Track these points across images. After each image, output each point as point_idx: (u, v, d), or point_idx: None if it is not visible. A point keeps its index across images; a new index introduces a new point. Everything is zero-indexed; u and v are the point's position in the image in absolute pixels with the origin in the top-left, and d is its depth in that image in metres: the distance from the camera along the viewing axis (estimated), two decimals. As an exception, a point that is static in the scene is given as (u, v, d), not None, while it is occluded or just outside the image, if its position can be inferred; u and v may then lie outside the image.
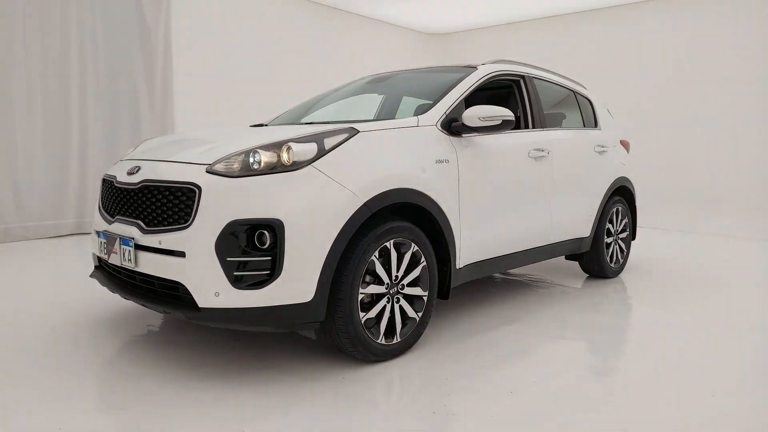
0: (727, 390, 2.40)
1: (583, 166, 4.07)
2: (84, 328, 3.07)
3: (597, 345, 3.01)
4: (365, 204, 2.42)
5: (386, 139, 2.68)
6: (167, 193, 2.40)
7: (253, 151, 2.35)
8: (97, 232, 2.79)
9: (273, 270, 2.23)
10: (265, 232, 2.23)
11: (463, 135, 3.08)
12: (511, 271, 4.77)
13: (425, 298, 2.79)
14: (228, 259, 2.22)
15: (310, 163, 2.36)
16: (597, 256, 4.33)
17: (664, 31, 7.89)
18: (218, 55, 7.53)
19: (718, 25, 7.79)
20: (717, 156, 7.67)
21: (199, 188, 2.29)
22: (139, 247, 2.44)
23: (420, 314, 2.77)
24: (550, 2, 8.50)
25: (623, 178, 4.52)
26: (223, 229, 2.22)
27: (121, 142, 6.52)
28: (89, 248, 4.41)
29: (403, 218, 2.73)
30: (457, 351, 2.81)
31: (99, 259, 2.91)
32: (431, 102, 3.11)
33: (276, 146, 2.37)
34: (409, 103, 3.74)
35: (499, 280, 4.41)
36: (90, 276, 2.98)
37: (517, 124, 3.78)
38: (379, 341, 2.56)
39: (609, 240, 4.44)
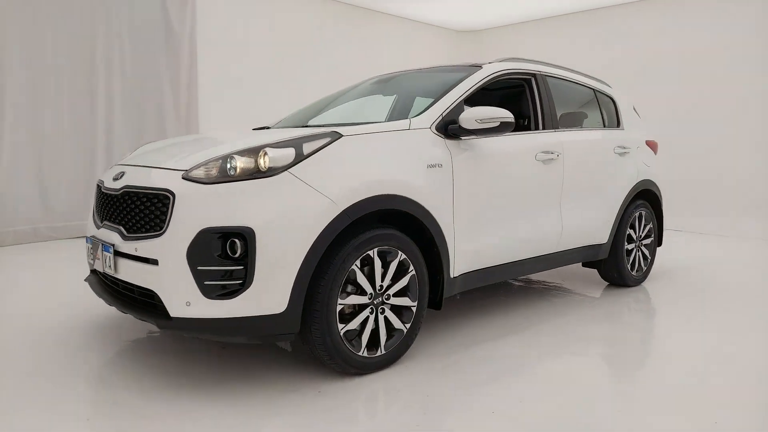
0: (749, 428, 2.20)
1: (599, 169, 3.86)
2: (81, 332, 3.09)
3: (603, 362, 2.83)
4: (344, 211, 2.33)
5: (372, 143, 2.58)
6: (145, 199, 2.37)
7: (230, 156, 2.29)
8: (86, 237, 2.79)
9: (245, 280, 2.17)
10: (237, 240, 2.17)
11: (462, 138, 2.94)
12: (529, 277, 4.59)
13: (414, 309, 2.67)
14: (199, 268, 2.17)
15: (286, 169, 2.28)
16: (616, 264, 4.11)
17: (710, 25, 7.47)
18: (244, 56, 7.56)
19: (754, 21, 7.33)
20: (753, 156, 7.23)
21: (173, 195, 2.25)
22: (118, 253, 2.42)
23: (408, 325, 2.66)
24: (586, -4, 8.19)
25: (647, 181, 4.27)
26: (194, 237, 2.17)
27: (146, 143, 6.62)
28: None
29: (392, 225, 2.63)
30: (447, 365, 2.69)
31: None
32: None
33: (252, 152, 2.30)
34: (423, 103, 3.62)
35: (513, 287, 4.24)
36: (84, 280, 3.00)
37: (527, 125, 3.61)
38: (360, 354, 2.47)
39: (630, 246, 4.21)
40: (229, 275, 2.17)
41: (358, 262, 2.42)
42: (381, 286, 2.53)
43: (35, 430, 2.05)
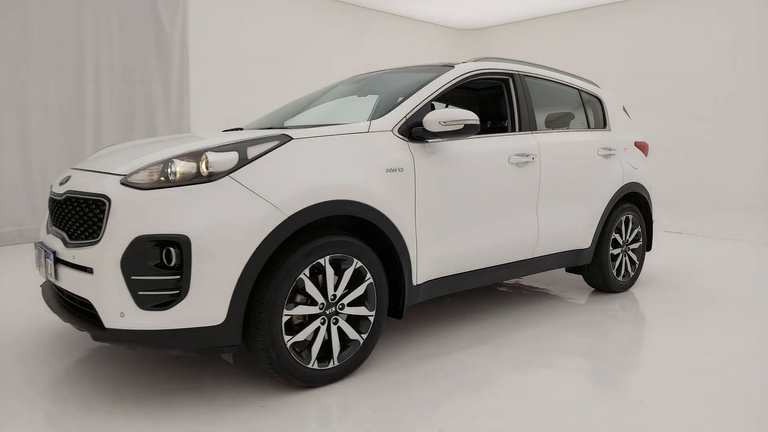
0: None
1: (580, 172, 3.72)
2: (41, 341, 3.02)
3: (572, 376, 2.68)
4: (290, 218, 2.22)
5: (325, 146, 2.48)
6: (84, 205, 2.29)
7: (170, 161, 2.20)
8: (35, 243, 2.72)
9: (181, 290, 2.08)
10: (172, 249, 2.08)
11: (428, 141, 2.83)
12: (517, 280, 4.46)
13: (372, 319, 2.56)
14: (133, 277, 2.07)
15: (228, 174, 2.18)
16: (600, 269, 3.96)
17: (715, 23, 7.25)
18: (237, 57, 7.49)
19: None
20: (755, 157, 7.00)
21: (109, 200, 2.17)
22: (58, 261, 2.35)
23: (365, 336, 2.55)
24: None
25: (634, 184, 4.12)
26: (129, 246, 2.08)
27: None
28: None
29: (350, 232, 2.53)
30: (405, 377, 2.57)
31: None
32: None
33: (193, 156, 2.21)
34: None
35: (494, 291, 4.11)
36: (40, 286, 2.93)
37: (503, 127, 3.49)
38: (310, 366, 2.36)
39: (616, 251, 4.06)
40: (164, 285, 2.08)
41: (307, 271, 2.32)
42: (334, 296, 2.42)
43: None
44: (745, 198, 7.08)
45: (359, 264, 2.49)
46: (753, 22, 7.00)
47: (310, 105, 3.77)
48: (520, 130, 3.40)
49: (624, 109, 4.51)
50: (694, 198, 7.46)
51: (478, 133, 2.97)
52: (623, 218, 4.08)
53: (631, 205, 4.16)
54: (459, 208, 2.94)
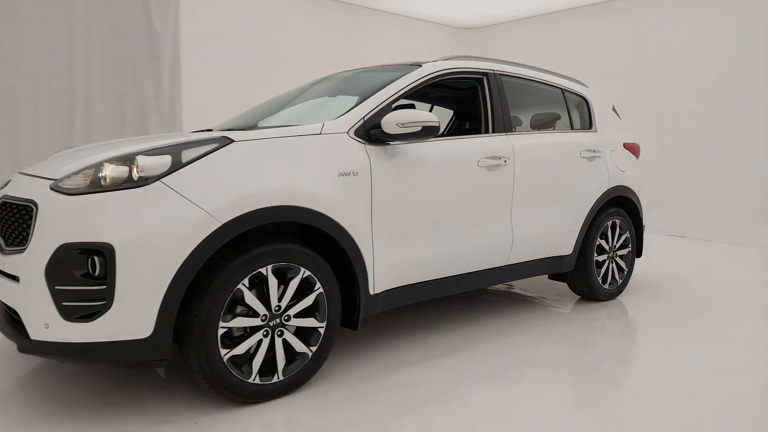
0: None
1: (560, 175, 3.56)
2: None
3: (539, 392, 2.51)
4: (225, 225, 2.11)
5: (270, 149, 2.36)
6: (16, 210, 2.20)
7: (100, 165, 2.10)
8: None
9: (106, 301, 1.98)
10: (96, 258, 1.98)
11: (390, 143, 2.70)
12: (501, 286, 4.31)
13: (322, 330, 2.44)
14: (57, 287, 1.98)
15: (159, 179, 2.08)
16: (584, 277, 3.80)
17: (719, 22, 7.00)
18: (230, 58, 7.42)
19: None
20: (755, 159, 6.74)
21: (36, 206, 2.08)
22: (-6, 269, 2.26)
23: (315, 348, 2.43)
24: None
25: (621, 187, 3.94)
26: (53, 254, 1.99)
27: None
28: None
29: (303, 239, 2.42)
30: (359, 392, 2.45)
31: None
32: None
33: (125, 160, 2.11)
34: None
35: (477, 297, 3.96)
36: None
37: (477, 129, 3.34)
38: (251, 381, 2.25)
39: (602, 258, 3.89)
40: (89, 296, 1.98)
41: (246, 281, 2.20)
42: (278, 307, 2.31)
43: None
44: (748, 200, 6.83)
45: (307, 273, 2.37)
46: (754, 21, 6.75)
47: (286, 105, 3.67)
48: (493, 132, 3.25)
49: (614, 109, 4.34)
50: (694, 200, 7.22)
51: (446, 135, 2.84)
52: (609, 223, 3.91)
53: (619, 210, 3.99)
54: (421, 214, 2.80)
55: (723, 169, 7.03)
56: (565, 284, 4.05)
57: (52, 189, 2.11)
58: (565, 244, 3.60)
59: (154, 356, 2.04)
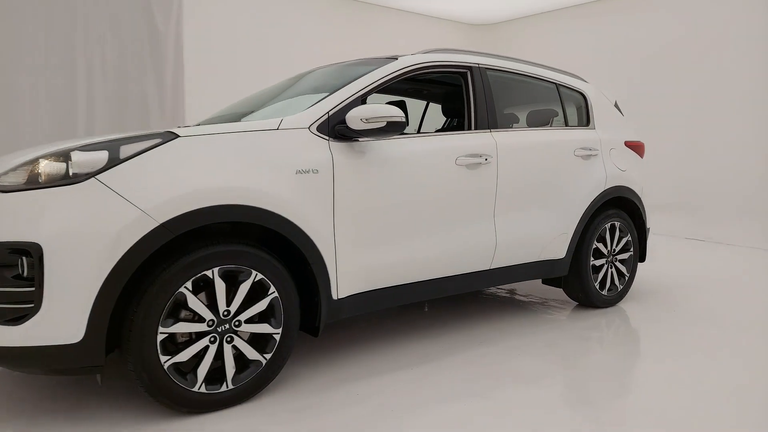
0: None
1: (550, 174, 3.36)
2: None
3: (506, 410, 2.32)
4: (162, 225, 1.99)
5: (217, 146, 2.23)
6: (-47, 209, 2.12)
7: (36, 161, 2.01)
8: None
9: (34, 304, 1.88)
10: (25, 258, 1.88)
11: (359, 139, 2.56)
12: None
13: (278, 337, 2.31)
14: (-16, 289, 1.89)
15: (93, 176, 1.97)
16: (579, 282, 3.58)
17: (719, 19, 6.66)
18: (235, 57, 7.37)
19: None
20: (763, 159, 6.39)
21: (-34, 205, 1.99)
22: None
23: (269, 356, 2.30)
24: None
25: (621, 188, 3.72)
26: (-19, 254, 1.90)
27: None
28: None
29: (260, 242, 2.30)
30: (309, 404, 2.30)
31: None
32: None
33: (61, 156, 2.01)
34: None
35: (467, 301, 3.78)
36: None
37: (460, 125, 3.17)
38: (195, 389, 2.13)
39: (599, 262, 3.67)
40: (17, 298, 1.88)
41: (189, 284, 2.08)
42: (227, 312, 2.18)
43: None
44: (754, 202, 6.48)
45: (260, 276, 2.24)
46: (757, 19, 6.40)
47: (272, 99, 3.54)
48: (475, 128, 3.08)
49: (617, 105, 4.11)
50: (709, 201, 6.88)
51: (423, 132, 2.68)
52: (608, 225, 3.69)
53: (619, 211, 3.76)
54: (391, 214, 2.65)
55: (737, 169, 6.68)
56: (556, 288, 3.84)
57: (-11, 186, 2.02)
58: (556, 247, 3.40)
59: (86, 362, 1.94)
